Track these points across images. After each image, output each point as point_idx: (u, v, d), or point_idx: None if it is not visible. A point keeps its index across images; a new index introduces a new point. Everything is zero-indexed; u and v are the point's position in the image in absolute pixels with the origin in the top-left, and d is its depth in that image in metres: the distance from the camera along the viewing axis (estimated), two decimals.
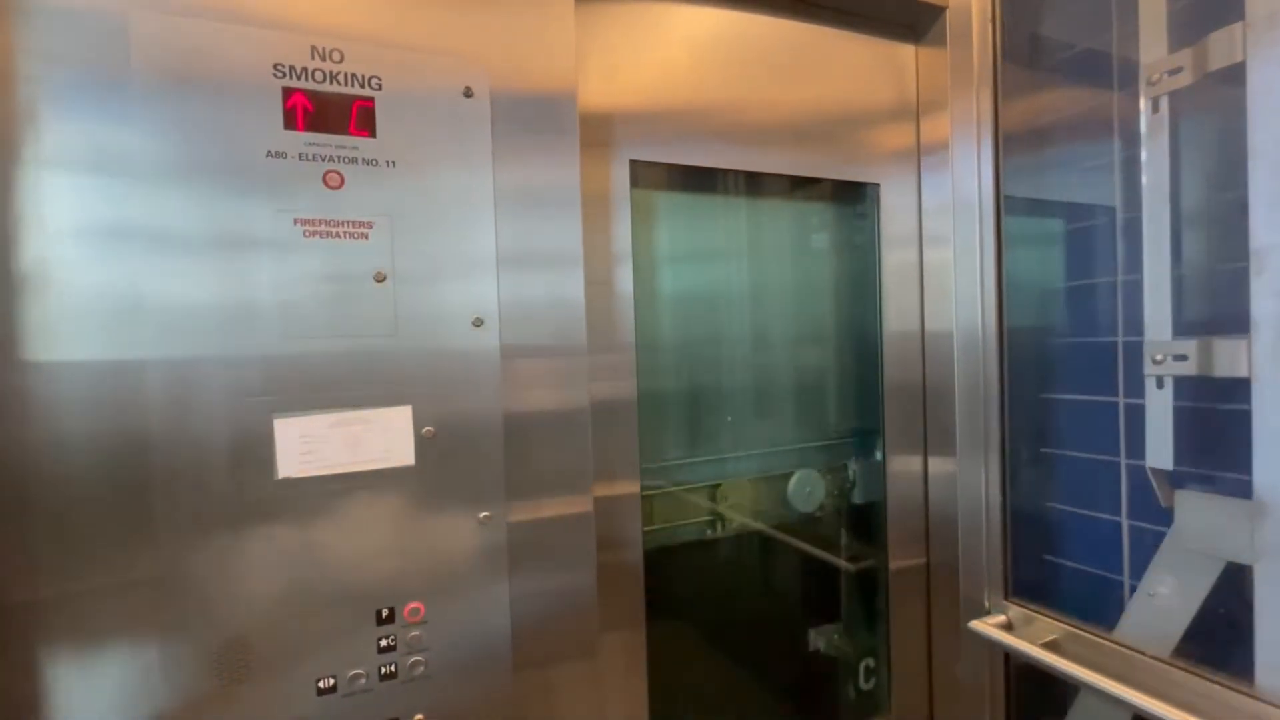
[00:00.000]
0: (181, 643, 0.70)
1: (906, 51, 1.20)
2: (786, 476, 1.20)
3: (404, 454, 0.79)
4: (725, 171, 1.09)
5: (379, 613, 0.79)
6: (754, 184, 1.16)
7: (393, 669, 0.79)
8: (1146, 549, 0.95)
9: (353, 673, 0.77)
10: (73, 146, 0.66)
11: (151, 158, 0.69)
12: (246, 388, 0.73)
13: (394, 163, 0.78)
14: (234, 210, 0.72)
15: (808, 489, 1.22)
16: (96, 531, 0.68)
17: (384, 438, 0.78)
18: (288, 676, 0.75)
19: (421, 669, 0.80)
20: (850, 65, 1.15)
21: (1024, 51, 1.10)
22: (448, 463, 0.81)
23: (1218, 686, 0.81)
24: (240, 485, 0.72)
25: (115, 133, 0.68)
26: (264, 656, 0.74)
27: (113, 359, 0.68)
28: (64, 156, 0.66)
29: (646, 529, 1.03)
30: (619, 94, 0.99)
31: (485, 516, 0.83)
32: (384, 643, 0.79)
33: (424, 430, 0.80)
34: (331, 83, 0.76)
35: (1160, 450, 0.91)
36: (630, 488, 1.00)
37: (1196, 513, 0.88)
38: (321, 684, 0.76)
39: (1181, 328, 0.89)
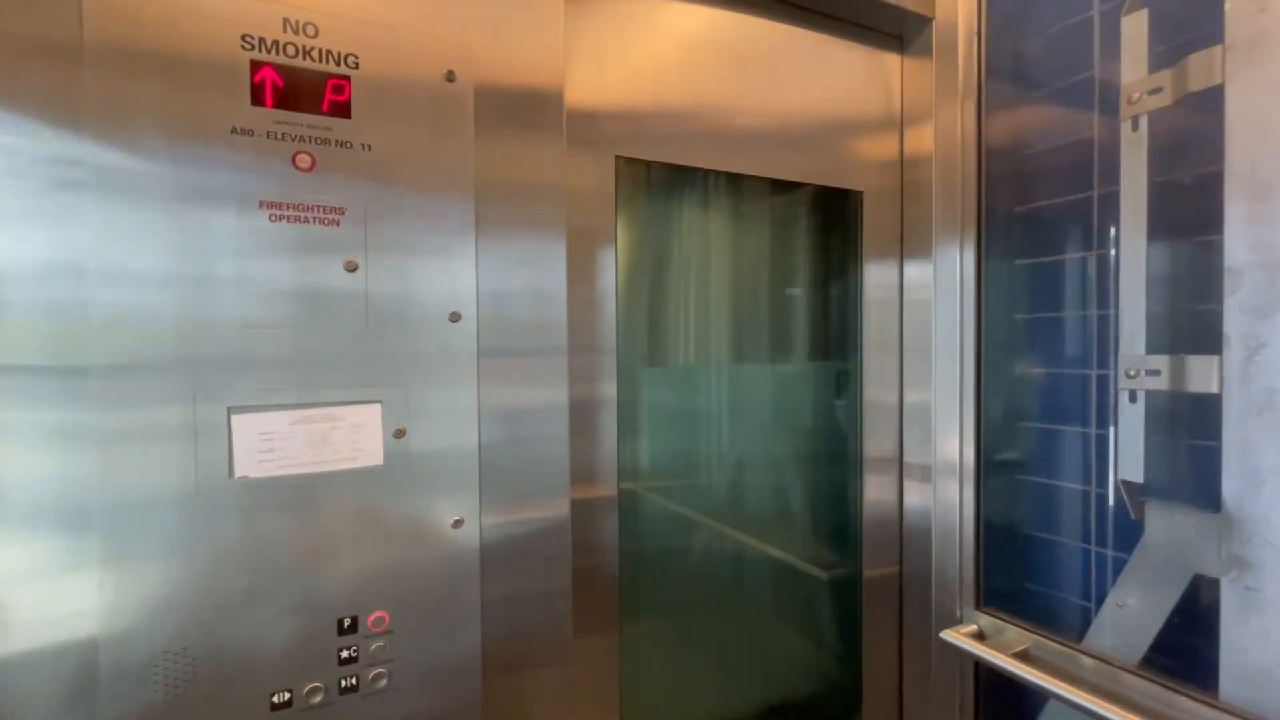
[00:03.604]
0: (120, 650, 0.65)
1: (892, 61, 1.20)
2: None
3: (372, 454, 0.75)
4: (710, 173, 1.08)
5: (340, 622, 0.74)
6: (738, 187, 1.14)
7: (354, 682, 0.75)
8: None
9: (310, 686, 0.73)
10: (14, 122, 0.60)
11: (103, 132, 0.63)
12: (202, 381, 0.67)
13: (369, 146, 0.74)
14: (194, 190, 0.67)
15: None
16: (30, 527, 0.62)
17: (351, 436, 0.74)
18: (238, 690, 0.70)
19: (385, 681, 0.76)
20: (837, 71, 1.15)
21: (1007, 66, 1.11)
22: (419, 464, 0.77)
23: (1184, 697, 0.82)
24: (192, 484, 0.67)
25: (63, 105, 0.62)
26: (211, 668, 0.68)
27: (55, 346, 0.62)
28: (4, 131, 0.60)
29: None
30: (606, 89, 0.96)
31: (457, 520, 0.80)
32: (345, 654, 0.74)
33: (394, 429, 0.76)
34: (304, 58, 0.72)
35: (1132, 464, 0.93)
36: (608, 490, 0.98)
37: (1166, 525, 0.90)
38: (275, 698, 0.71)
39: (1154, 343, 0.91)
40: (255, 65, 0.69)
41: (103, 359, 0.64)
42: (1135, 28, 0.93)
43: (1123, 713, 0.83)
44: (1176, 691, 0.83)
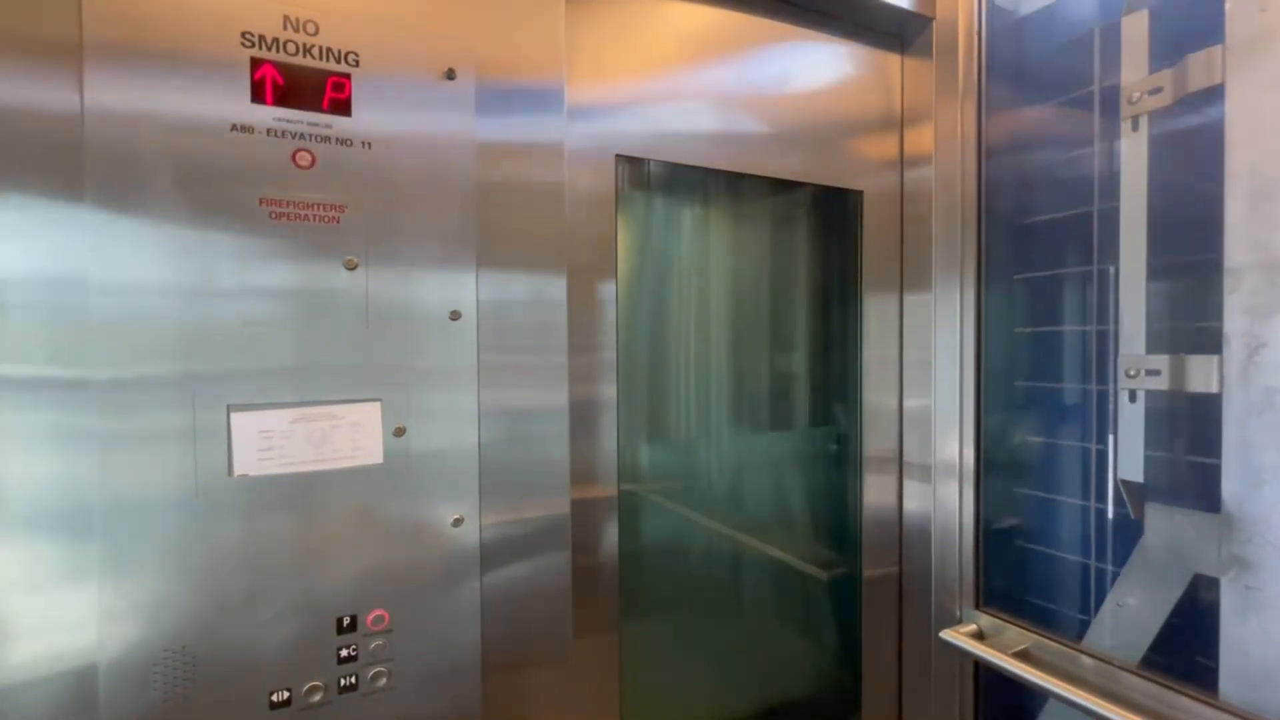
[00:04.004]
0: (120, 650, 0.65)
1: (893, 60, 1.20)
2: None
3: (372, 452, 0.75)
4: (710, 172, 1.07)
5: (339, 621, 0.74)
6: (738, 186, 1.14)
7: (353, 681, 0.74)
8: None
9: (309, 685, 0.72)
10: (11, 122, 0.60)
11: (102, 131, 0.63)
12: (201, 379, 0.67)
13: (370, 144, 0.74)
14: (193, 187, 0.66)
15: None
16: (29, 528, 0.61)
17: (351, 435, 0.74)
18: (237, 689, 0.69)
19: (384, 680, 0.76)
20: (838, 71, 1.15)
21: (1009, 67, 1.11)
22: (419, 462, 0.77)
23: (1183, 697, 0.82)
24: (192, 483, 0.67)
25: (61, 104, 0.62)
26: (210, 667, 0.68)
27: (54, 346, 0.62)
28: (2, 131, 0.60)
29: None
30: (607, 88, 0.96)
31: (457, 519, 0.79)
32: (344, 653, 0.74)
33: (394, 428, 0.76)
34: (305, 56, 0.71)
35: (1131, 463, 0.93)
36: (608, 491, 0.97)
37: (1166, 525, 0.90)
38: (275, 697, 0.71)
39: (1154, 343, 0.91)
40: (255, 63, 0.69)
41: (102, 359, 0.63)
42: (1135, 28, 0.93)
43: (1123, 712, 0.83)
44: (1176, 691, 0.83)
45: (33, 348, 0.61)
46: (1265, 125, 0.76)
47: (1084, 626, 1.02)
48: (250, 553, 0.70)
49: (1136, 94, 0.92)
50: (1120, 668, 0.89)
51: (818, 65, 1.13)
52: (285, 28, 0.70)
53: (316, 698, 0.73)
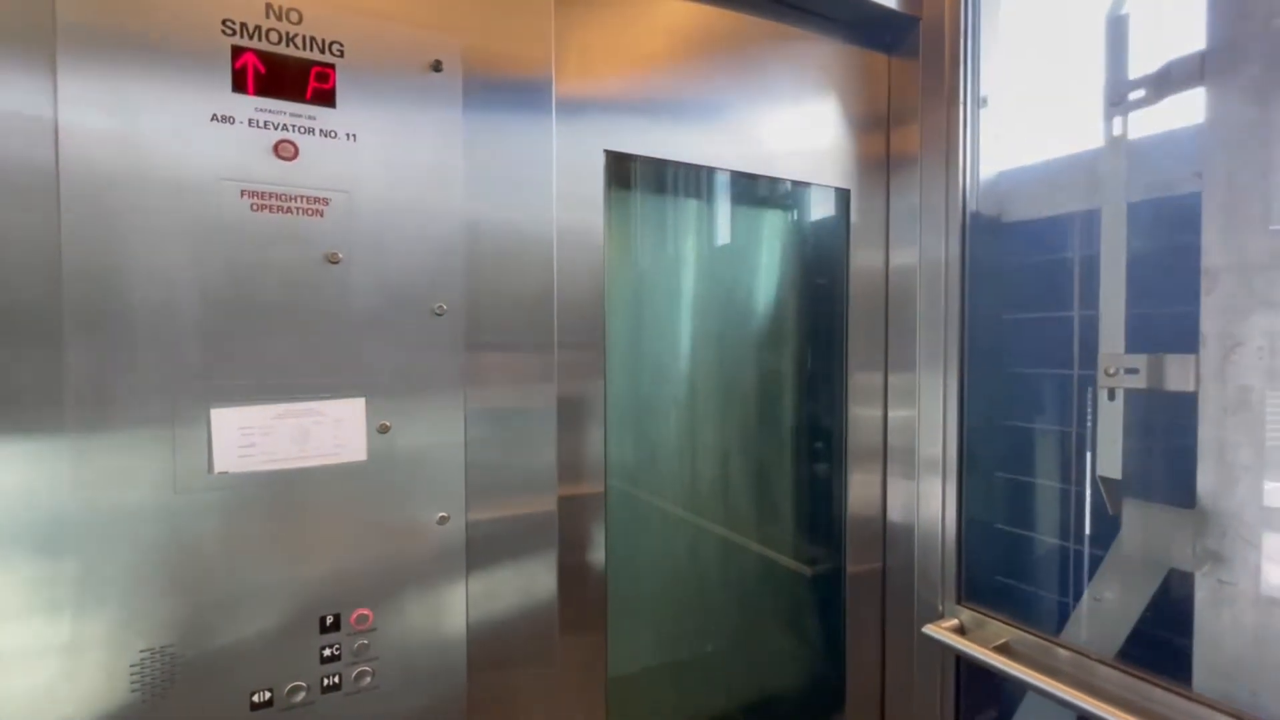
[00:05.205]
0: (98, 651, 0.63)
1: (880, 60, 1.21)
2: None
3: (356, 449, 0.74)
4: (698, 168, 1.07)
5: (323, 620, 0.73)
6: (727, 183, 1.14)
7: (336, 680, 0.74)
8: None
9: (291, 685, 0.71)
10: None
11: (77, 120, 0.61)
12: (180, 373, 0.66)
13: (354, 135, 0.73)
14: (172, 178, 0.65)
15: None
16: (4, 524, 0.60)
17: (334, 431, 0.73)
18: (217, 689, 0.68)
19: (368, 679, 0.75)
20: (825, 70, 1.15)
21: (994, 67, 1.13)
22: (404, 459, 0.76)
23: (1158, 688, 0.84)
24: (169, 479, 0.66)
25: (36, 94, 0.60)
26: (191, 667, 0.67)
27: (30, 333, 0.60)
28: None
29: None
30: (595, 83, 0.95)
31: (442, 517, 0.79)
32: (327, 652, 0.73)
33: (378, 425, 0.75)
34: (288, 45, 0.70)
35: (1110, 460, 0.94)
36: (595, 488, 0.97)
37: (1142, 521, 0.92)
38: (256, 698, 0.70)
39: (1133, 342, 0.92)
40: (237, 51, 0.67)
41: (78, 355, 0.62)
42: (1120, 31, 0.94)
43: (1099, 704, 0.84)
44: (1151, 683, 0.85)
45: (4, 346, 0.59)
46: (1241, 130, 0.78)
47: (1062, 621, 1.04)
48: (231, 551, 0.69)
49: (1119, 96, 0.93)
50: (1097, 660, 0.91)
51: (806, 63, 1.13)
52: (268, 16, 0.69)
53: (299, 697, 0.72)
